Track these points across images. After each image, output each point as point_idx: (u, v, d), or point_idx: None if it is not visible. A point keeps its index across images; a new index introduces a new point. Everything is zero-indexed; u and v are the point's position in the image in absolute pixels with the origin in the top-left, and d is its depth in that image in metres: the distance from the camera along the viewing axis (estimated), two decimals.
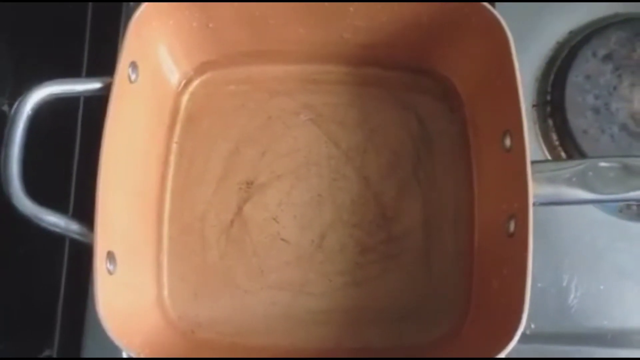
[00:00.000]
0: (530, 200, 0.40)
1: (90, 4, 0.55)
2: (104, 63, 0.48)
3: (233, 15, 0.48)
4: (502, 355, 0.38)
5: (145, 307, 0.46)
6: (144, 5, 0.44)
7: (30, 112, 0.41)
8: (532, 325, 0.48)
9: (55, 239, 0.46)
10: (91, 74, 0.51)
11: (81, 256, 0.45)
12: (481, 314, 0.45)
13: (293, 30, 0.49)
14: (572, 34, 0.55)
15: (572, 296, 0.50)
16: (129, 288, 0.44)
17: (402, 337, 0.46)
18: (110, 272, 0.41)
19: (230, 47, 0.50)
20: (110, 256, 0.41)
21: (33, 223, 0.41)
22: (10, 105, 0.42)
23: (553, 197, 0.42)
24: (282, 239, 0.49)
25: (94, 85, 0.43)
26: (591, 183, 0.42)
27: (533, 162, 0.41)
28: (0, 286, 0.51)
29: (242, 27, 0.48)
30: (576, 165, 0.42)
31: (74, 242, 0.42)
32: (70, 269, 0.51)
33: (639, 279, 0.50)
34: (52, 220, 0.41)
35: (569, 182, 0.42)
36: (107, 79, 0.42)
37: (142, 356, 0.39)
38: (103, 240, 0.40)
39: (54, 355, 0.50)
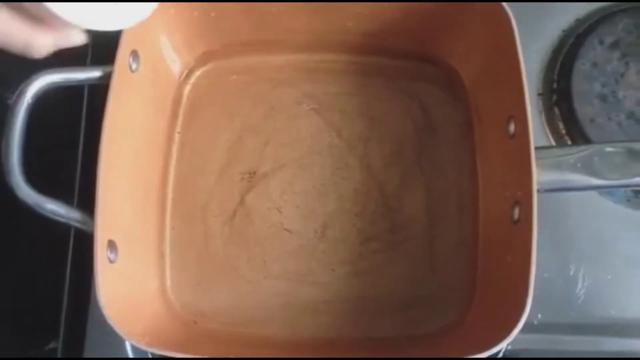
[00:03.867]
0: (535, 187, 0.40)
1: None
2: (109, 53, 0.48)
3: (235, 3, 0.47)
4: (507, 343, 0.38)
5: (147, 296, 0.46)
6: None
7: (30, 101, 0.41)
8: (539, 316, 0.48)
9: (60, 231, 0.46)
10: (95, 62, 0.51)
11: (86, 248, 0.45)
12: (486, 302, 0.45)
13: (295, 19, 0.49)
14: (579, 21, 0.54)
15: (579, 286, 0.49)
16: (131, 277, 0.44)
17: (405, 326, 0.46)
18: (111, 261, 0.41)
19: (232, 37, 0.50)
20: (111, 245, 0.41)
21: (36, 214, 0.41)
22: None
23: (558, 183, 0.41)
24: (285, 229, 0.48)
25: (94, 73, 0.43)
26: (597, 168, 0.41)
27: (537, 148, 0.41)
28: (7, 280, 0.51)
29: (244, 16, 0.48)
30: (581, 151, 0.42)
31: (79, 235, 0.42)
32: (75, 260, 0.51)
33: None
34: (53, 208, 0.41)
35: (574, 167, 0.41)
36: (108, 68, 0.42)
37: (143, 344, 0.39)
38: (103, 228, 0.40)
39: (60, 347, 0.50)
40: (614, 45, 0.52)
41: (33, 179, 0.41)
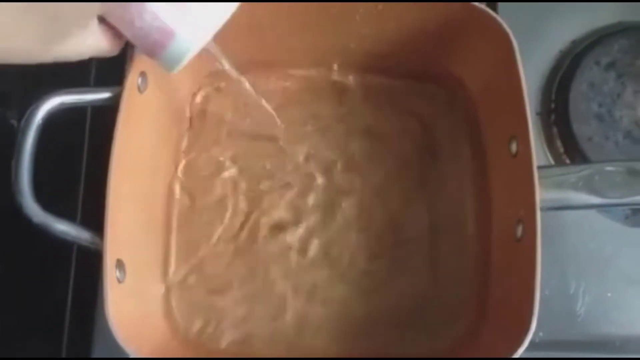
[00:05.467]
0: (538, 205, 0.40)
1: None
2: (112, 73, 0.48)
3: (241, 24, 0.48)
4: None
5: (153, 316, 0.46)
6: None
7: (40, 122, 0.41)
8: (540, 333, 0.48)
9: (62, 246, 0.46)
10: (99, 83, 0.51)
11: (88, 263, 0.45)
12: (490, 319, 0.45)
13: (300, 39, 0.49)
14: (575, 42, 0.55)
15: (579, 303, 0.50)
16: (137, 297, 0.44)
17: (412, 344, 0.46)
18: (119, 281, 0.41)
19: (238, 56, 0.50)
20: (120, 264, 0.42)
21: (42, 231, 0.41)
22: (19, 120, 0.42)
23: (560, 202, 0.42)
24: (290, 247, 0.49)
25: (103, 95, 0.43)
26: (598, 187, 0.42)
27: (539, 167, 0.41)
28: (8, 295, 0.51)
29: (250, 36, 0.49)
30: (582, 170, 0.42)
31: (81, 250, 0.42)
32: (77, 276, 0.51)
33: None
34: (63, 228, 0.41)
35: (575, 186, 0.42)
36: (116, 89, 0.43)
37: None
38: (112, 248, 0.40)
39: None
40: (610, 65, 0.53)
41: (38, 196, 0.41)
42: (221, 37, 0.48)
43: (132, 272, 0.43)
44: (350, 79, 0.52)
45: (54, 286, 0.52)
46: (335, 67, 0.52)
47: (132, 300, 0.43)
